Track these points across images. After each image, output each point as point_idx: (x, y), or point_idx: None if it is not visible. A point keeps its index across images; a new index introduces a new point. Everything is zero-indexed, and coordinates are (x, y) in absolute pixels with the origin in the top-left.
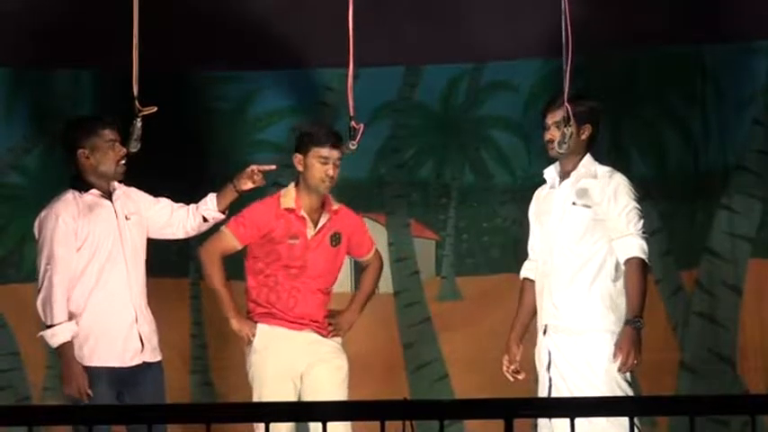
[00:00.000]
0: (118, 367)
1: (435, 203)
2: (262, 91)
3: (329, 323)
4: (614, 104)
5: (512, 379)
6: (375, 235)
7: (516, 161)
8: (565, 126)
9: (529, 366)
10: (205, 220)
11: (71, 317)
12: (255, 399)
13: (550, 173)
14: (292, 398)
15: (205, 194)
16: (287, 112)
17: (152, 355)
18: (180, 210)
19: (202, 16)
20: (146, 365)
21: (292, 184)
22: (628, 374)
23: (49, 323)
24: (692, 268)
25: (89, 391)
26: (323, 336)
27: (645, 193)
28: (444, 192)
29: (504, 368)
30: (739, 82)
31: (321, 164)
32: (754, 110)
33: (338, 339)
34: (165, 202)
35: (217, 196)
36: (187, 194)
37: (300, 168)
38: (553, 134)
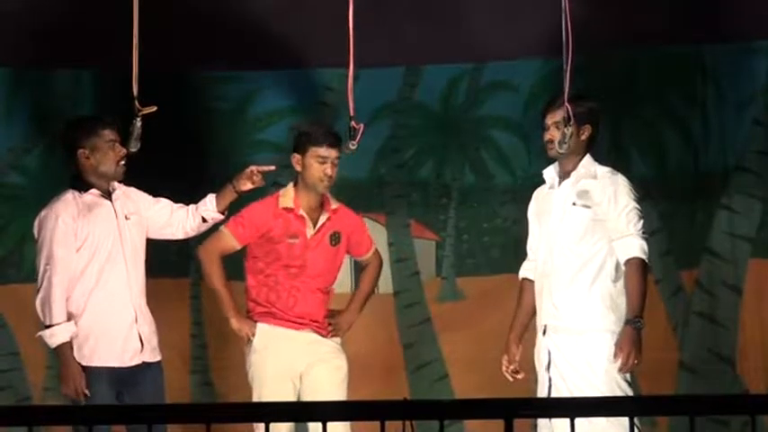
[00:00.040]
0: (117, 367)
1: (435, 204)
2: (262, 91)
3: (329, 323)
4: (614, 104)
5: (511, 379)
6: (375, 235)
7: (516, 161)
8: (565, 126)
9: (528, 366)
10: (204, 220)
11: (70, 317)
12: (255, 398)
13: (550, 173)
14: (292, 398)
15: (205, 195)
16: (287, 112)
17: (152, 355)
18: (179, 210)
19: (202, 16)
20: (145, 365)
21: (291, 184)
22: (627, 374)
23: (47, 323)
24: (692, 268)
25: (86, 392)
26: (322, 336)
27: (645, 194)
28: (444, 192)
29: (504, 368)
30: (739, 82)
31: (319, 163)
32: (754, 110)
33: (337, 339)
34: (164, 202)
35: (216, 197)
36: (187, 194)
37: (299, 168)
38: (553, 134)
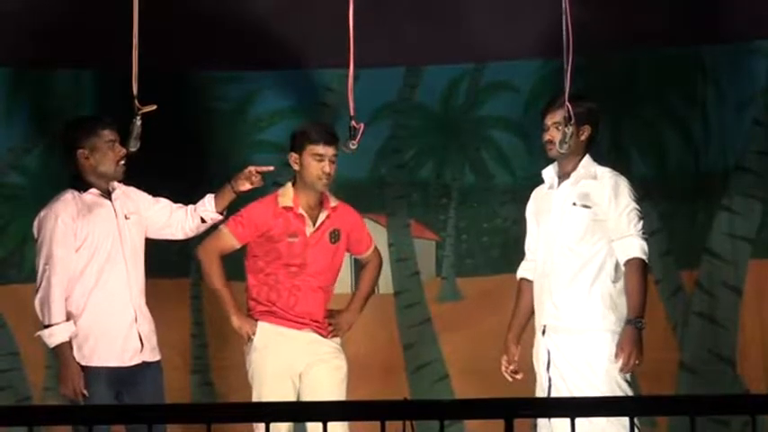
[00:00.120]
0: (117, 367)
1: (435, 204)
2: (262, 91)
3: (329, 323)
4: (614, 104)
5: (510, 379)
6: (375, 235)
7: (516, 161)
8: (566, 126)
9: (527, 367)
10: (203, 221)
11: (70, 317)
12: (255, 397)
13: (549, 173)
14: (291, 397)
15: (204, 195)
16: (287, 112)
17: (151, 354)
18: (179, 210)
19: (202, 16)
20: (145, 365)
21: (289, 184)
22: (627, 374)
23: (46, 323)
24: (692, 269)
25: (84, 392)
26: (323, 336)
27: (645, 194)
28: (444, 192)
29: (503, 368)
30: (739, 82)
31: (317, 161)
32: (754, 110)
33: (337, 339)
34: (164, 202)
35: (214, 197)
36: (187, 195)
37: (296, 167)
38: (552, 135)
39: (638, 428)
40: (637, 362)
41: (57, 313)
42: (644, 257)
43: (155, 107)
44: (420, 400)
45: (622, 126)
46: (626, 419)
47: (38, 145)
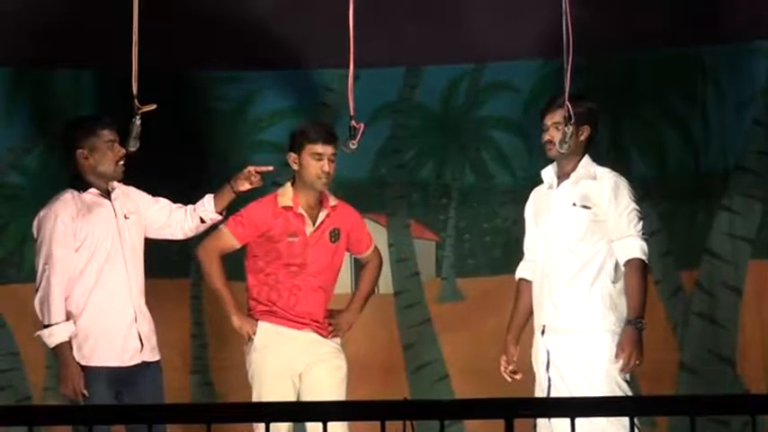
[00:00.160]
0: (117, 367)
1: (436, 204)
2: (262, 91)
3: (329, 323)
4: (614, 104)
5: (509, 379)
6: (375, 236)
7: (516, 161)
8: (566, 125)
9: (527, 367)
10: (203, 221)
11: (70, 317)
12: (255, 397)
13: (548, 173)
14: (291, 396)
15: (204, 195)
16: (287, 112)
17: (151, 354)
18: (178, 210)
19: (202, 16)
20: (145, 365)
21: (288, 183)
22: (627, 375)
23: (46, 323)
24: (691, 269)
25: (84, 391)
26: (323, 336)
27: (645, 194)
28: (445, 192)
29: (502, 368)
30: (739, 82)
31: (316, 160)
32: (754, 110)
33: (337, 340)
34: (163, 202)
35: (214, 197)
36: (187, 195)
37: (296, 167)
38: (552, 135)
39: (638, 428)
40: (637, 362)
41: (56, 313)
42: (644, 258)
43: (154, 107)
44: (420, 400)
45: (622, 126)
46: (626, 419)
47: (38, 145)
